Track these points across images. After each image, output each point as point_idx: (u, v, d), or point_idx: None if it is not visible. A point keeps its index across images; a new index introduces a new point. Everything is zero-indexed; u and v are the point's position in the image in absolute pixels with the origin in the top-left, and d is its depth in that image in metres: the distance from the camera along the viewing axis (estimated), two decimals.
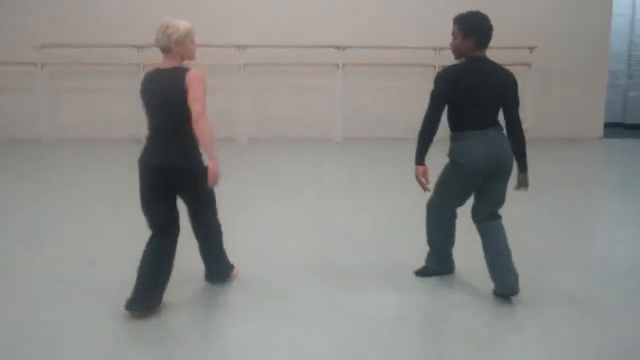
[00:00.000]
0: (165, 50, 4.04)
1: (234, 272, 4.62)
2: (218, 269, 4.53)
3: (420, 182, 4.29)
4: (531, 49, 11.23)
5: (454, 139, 4.29)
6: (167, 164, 3.92)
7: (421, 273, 4.76)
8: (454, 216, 4.60)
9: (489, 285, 4.36)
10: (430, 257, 4.76)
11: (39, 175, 8.62)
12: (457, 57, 4.33)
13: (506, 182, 4.30)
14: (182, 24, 4.03)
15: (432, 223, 4.64)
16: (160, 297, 4.08)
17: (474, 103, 4.19)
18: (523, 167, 4.38)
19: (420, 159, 4.26)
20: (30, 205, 6.86)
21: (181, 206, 4.18)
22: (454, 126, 4.26)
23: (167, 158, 3.92)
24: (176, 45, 4.00)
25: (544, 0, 11.51)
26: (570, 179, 8.52)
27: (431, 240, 4.69)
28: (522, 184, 4.41)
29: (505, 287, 4.26)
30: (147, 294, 4.00)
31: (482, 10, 4.41)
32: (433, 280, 4.67)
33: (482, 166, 4.20)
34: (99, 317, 4.02)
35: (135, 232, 4.38)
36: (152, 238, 4.05)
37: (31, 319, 4.01)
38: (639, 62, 13.67)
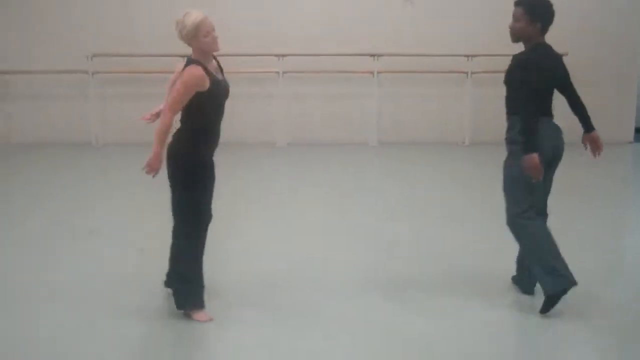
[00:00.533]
0: (186, 43, 4.00)
1: (198, 314, 4.13)
2: (175, 289, 4.21)
3: (535, 170, 4.00)
4: (562, 56, 11.36)
5: None
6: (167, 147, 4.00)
7: (548, 306, 4.15)
8: (543, 221, 4.33)
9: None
10: (541, 277, 4.15)
11: (90, 174, 9.24)
12: (515, 41, 4.28)
13: (555, 171, 4.36)
14: (190, 20, 3.88)
15: (525, 237, 4.24)
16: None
17: (548, 89, 4.23)
18: (591, 127, 4.44)
19: (533, 147, 4.00)
20: (83, 201, 7.46)
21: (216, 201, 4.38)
22: None
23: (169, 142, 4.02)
24: (190, 40, 3.94)
25: (574, 10, 11.63)
26: (601, 182, 8.70)
27: (536, 257, 4.18)
28: (597, 143, 4.41)
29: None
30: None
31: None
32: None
33: (548, 153, 4.13)
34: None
35: None
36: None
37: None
38: None
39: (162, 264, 4.40)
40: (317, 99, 11.83)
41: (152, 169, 3.88)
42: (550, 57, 4.32)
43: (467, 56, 11.25)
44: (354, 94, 11.76)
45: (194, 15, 3.90)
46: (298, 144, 11.50)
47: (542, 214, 4.38)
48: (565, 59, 12.32)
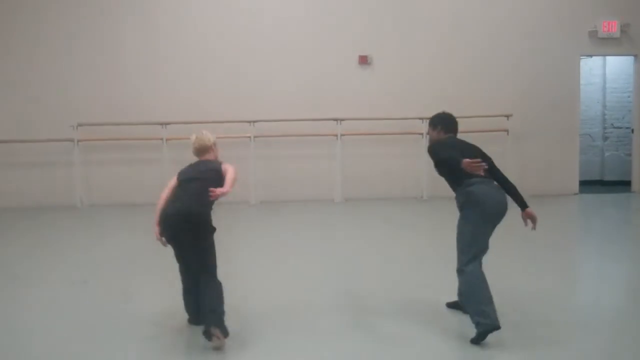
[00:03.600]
0: (203, 150, 5.26)
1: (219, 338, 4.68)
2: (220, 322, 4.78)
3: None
4: (507, 116, 12.18)
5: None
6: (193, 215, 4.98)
7: (478, 339, 4.67)
8: (481, 271, 4.90)
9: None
10: (472, 316, 4.72)
11: (77, 233, 9.66)
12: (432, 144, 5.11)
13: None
14: (212, 135, 5.30)
15: (466, 284, 4.84)
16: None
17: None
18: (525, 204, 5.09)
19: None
20: (71, 256, 7.84)
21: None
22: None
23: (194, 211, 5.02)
24: (213, 146, 5.29)
25: (519, 74, 12.41)
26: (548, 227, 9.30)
27: (471, 301, 4.78)
28: (532, 217, 5.05)
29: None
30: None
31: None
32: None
33: (493, 208, 4.83)
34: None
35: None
36: None
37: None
38: (612, 125, 14.55)
39: (148, 307, 5.00)
40: (286, 160, 12.32)
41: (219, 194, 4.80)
42: (460, 142, 5.14)
43: (422, 118, 11.75)
44: (320, 155, 12.29)
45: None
46: (270, 202, 11.99)
47: (484, 253, 4.93)
48: (513, 120, 13.23)
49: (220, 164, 5.14)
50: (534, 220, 5.03)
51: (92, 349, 4.83)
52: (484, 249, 4.92)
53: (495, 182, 4.95)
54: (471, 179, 4.81)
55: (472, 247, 4.83)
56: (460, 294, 5.17)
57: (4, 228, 10.46)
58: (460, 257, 4.89)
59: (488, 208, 4.78)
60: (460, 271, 4.88)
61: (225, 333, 4.70)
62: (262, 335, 5.00)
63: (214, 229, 4.92)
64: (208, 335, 4.68)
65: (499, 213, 4.86)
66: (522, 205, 5.04)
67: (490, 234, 4.92)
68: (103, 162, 12.30)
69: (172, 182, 5.09)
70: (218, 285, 4.85)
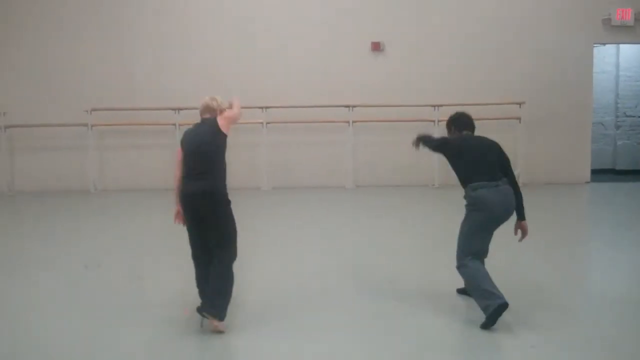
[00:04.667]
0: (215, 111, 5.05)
1: (222, 324, 4.72)
2: (220, 304, 4.77)
3: None
4: (520, 104, 12.15)
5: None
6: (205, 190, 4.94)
7: (488, 323, 4.67)
8: (479, 263, 5.03)
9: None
10: (480, 302, 4.76)
11: (90, 217, 9.74)
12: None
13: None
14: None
15: (466, 276, 4.98)
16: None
17: (472, 161, 5.09)
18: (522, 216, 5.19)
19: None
20: (85, 240, 7.92)
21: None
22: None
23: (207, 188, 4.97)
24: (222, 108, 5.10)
25: (531, 62, 12.30)
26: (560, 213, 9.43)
27: (474, 289, 4.87)
28: (523, 230, 5.19)
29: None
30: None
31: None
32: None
33: (501, 214, 4.97)
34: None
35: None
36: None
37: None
38: (624, 113, 14.47)
39: (161, 290, 5.05)
40: (298, 146, 12.34)
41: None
42: (473, 140, 5.26)
43: (434, 106, 11.81)
44: (331, 141, 12.28)
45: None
46: (282, 188, 11.99)
47: (483, 256, 5.05)
48: (526, 108, 13.17)
49: (215, 120, 4.94)
50: (524, 233, 5.17)
51: (104, 332, 4.87)
52: (483, 250, 5.05)
53: (503, 185, 4.98)
54: (477, 183, 4.91)
55: (471, 248, 4.95)
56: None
57: (18, 212, 10.59)
58: (459, 255, 5.01)
59: (492, 214, 4.91)
60: (459, 266, 5.01)
61: (219, 317, 4.68)
62: (274, 317, 5.05)
63: (229, 202, 4.87)
64: (201, 312, 4.69)
65: (502, 218, 4.99)
66: (521, 216, 5.14)
67: (490, 238, 5.06)
68: (116, 147, 12.36)
69: (179, 155, 4.94)
70: (230, 274, 4.84)
